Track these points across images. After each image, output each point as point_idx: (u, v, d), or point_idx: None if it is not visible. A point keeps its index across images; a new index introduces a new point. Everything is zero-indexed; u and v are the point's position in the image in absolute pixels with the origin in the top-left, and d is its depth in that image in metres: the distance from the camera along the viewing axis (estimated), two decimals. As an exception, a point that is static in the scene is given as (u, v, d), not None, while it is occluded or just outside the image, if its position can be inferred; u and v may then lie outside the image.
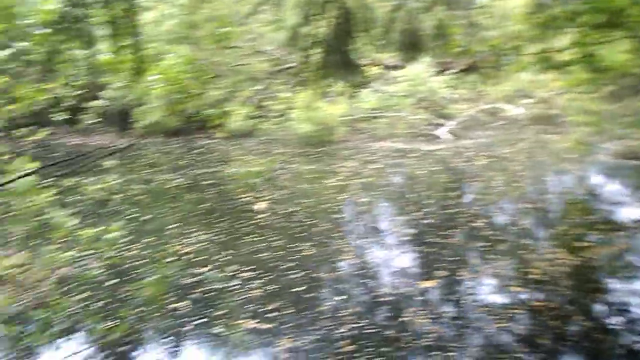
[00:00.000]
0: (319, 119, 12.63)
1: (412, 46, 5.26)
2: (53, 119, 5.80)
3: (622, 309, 4.38)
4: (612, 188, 8.37)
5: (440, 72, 15.44)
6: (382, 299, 4.80)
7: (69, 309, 3.96)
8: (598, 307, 4.50)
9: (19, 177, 4.55)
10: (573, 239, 6.00)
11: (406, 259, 5.73)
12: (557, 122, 12.07)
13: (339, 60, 5.01)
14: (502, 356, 3.82)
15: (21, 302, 4.89)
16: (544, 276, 4.98)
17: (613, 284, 4.93)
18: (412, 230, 6.58)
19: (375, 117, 13.68)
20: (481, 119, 13.85)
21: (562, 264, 5.26)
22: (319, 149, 12.07)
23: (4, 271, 5.50)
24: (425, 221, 6.81)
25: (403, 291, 4.95)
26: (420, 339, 4.06)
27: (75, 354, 3.90)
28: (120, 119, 16.72)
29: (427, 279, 5.14)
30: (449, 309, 4.58)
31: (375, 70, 14.82)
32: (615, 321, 4.23)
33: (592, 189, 8.16)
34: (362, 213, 7.57)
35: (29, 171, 4.13)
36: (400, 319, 4.42)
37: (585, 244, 5.69)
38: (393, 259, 5.78)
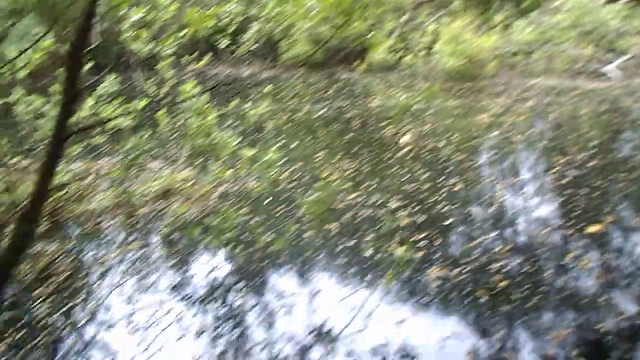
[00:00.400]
0: (467, 53, 11.91)
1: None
2: (217, 45, 6.14)
3: None
4: None
5: (611, 1, 13.60)
6: (538, 240, 4.54)
7: (234, 220, 4.29)
8: None
9: (190, 98, 4.93)
10: None
11: (565, 202, 5.30)
12: None
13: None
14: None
15: (192, 212, 5.44)
16: None
17: None
18: (573, 172, 6.04)
19: (531, 51, 12.54)
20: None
21: None
22: (466, 85, 11.45)
23: (175, 185, 6.14)
24: (590, 163, 6.20)
25: (561, 235, 4.61)
26: (581, 281, 3.79)
27: (241, 256, 4.26)
28: (266, 51, 17.37)
29: (590, 224, 4.72)
30: (613, 257, 4.19)
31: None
32: None
33: None
34: (514, 152, 7.11)
35: (197, 92, 4.43)
36: (559, 263, 4.15)
37: None
38: (550, 201, 5.39)
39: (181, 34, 5.35)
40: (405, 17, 15.77)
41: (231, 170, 6.00)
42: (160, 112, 6.18)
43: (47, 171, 3.18)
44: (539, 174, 6.13)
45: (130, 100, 5.87)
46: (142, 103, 5.69)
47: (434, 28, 13.90)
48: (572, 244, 4.42)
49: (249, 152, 5.64)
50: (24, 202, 3.31)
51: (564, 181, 5.78)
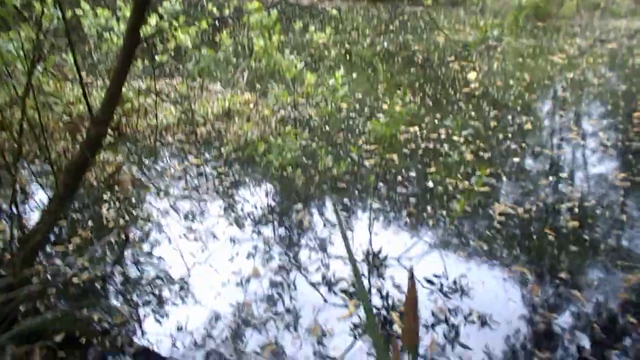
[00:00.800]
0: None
1: None
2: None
3: None
4: None
5: None
6: (613, 184, 4.27)
7: (296, 143, 4.24)
8: None
9: (257, 13, 4.79)
10: None
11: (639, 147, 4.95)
12: None
13: None
14: None
15: (252, 134, 5.43)
16: None
17: None
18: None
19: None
20: None
21: None
22: (541, 23, 10.69)
23: (237, 106, 6.12)
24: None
25: (637, 182, 4.33)
26: (663, 231, 3.57)
27: (301, 178, 4.24)
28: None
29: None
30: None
31: None
32: None
33: None
34: (591, 94, 6.65)
35: (271, 5, 4.27)
36: (634, 210, 3.91)
37: None
38: (625, 149, 5.03)
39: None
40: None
41: (293, 95, 5.92)
42: (223, 34, 6.10)
43: (119, 77, 3.18)
44: (615, 119, 5.72)
45: (194, 19, 5.78)
46: (204, 23, 5.61)
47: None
48: (649, 191, 4.14)
49: (312, 77, 5.52)
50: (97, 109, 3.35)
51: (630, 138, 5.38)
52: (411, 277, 0.98)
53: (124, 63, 3.22)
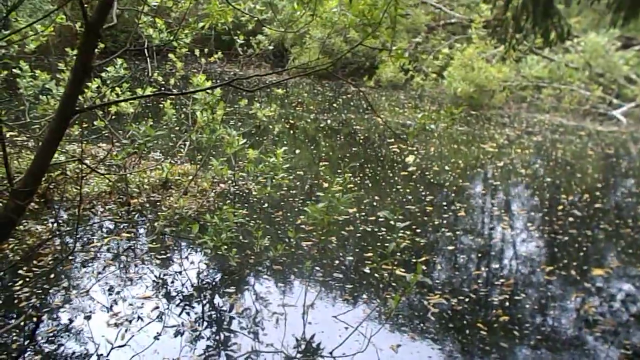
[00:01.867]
0: (478, 80, 11.87)
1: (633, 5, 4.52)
2: (231, 43, 6.03)
3: None
4: None
5: (625, 47, 13.67)
6: (541, 279, 4.42)
7: (232, 221, 4.15)
8: None
9: (199, 90, 4.79)
10: None
11: (572, 242, 5.20)
12: None
13: (539, 9, 4.48)
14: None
15: (189, 208, 5.28)
16: None
17: None
18: (579, 213, 5.95)
19: (540, 87, 12.54)
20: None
21: None
22: (474, 112, 11.40)
23: (174, 178, 5.98)
24: (597, 205, 6.12)
25: (567, 274, 4.50)
26: (588, 327, 3.67)
27: (236, 259, 4.11)
28: (275, 56, 17.30)
29: (596, 267, 4.61)
30: (622, 301, 4.07)
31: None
32: None
33: None
34: (521, 185, 7.02)
35: (222, 84, 4.29)
36: (566, 302, 4.04)
37: None
38: (553, 240, 5.27)
39: (199, 25, 5.24)
40: (418, 39, 15.76)
41: (233, 170, 5.87)
42: (167, 103, 6.05)
43: (49, 147, 3.03)
44: (542, 210, 6.03)
45: (137, 87, 5.72)
46: (147, 90, 5.56)
47: (446, 52, 13.89)
48: (576, 285, 4.30)
49: (253, 153, 5.51)
50: (20, 177, 3.15)
51: (567, 221, 5.67)
52: None
53: (55, 133, 3.08)
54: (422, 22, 15.75)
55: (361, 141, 8.92)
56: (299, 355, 3.21)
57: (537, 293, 4.13)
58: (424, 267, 4.37)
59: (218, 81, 10.43)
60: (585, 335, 3.57)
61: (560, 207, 6.05)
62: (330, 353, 3.24)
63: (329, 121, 10.25)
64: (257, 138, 8.17)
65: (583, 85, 12.27)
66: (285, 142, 8.44)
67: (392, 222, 5.28)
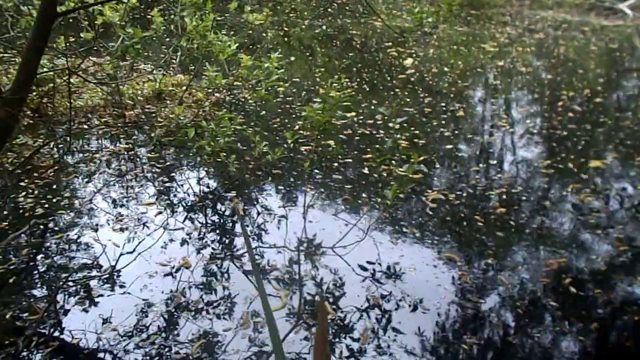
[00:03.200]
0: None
1: None
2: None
3: None
4: None
5: None
6: (539, 171, 4.46)
7: (229, 128, 4.13)
8: None
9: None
10: None
11: (572, 134, 5.19)
12: None
13: None
14: None
15: (184, 117, 5.23)
16: None
17: None
18: (579, 108, 5.90)
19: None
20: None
21: None
22: (474, 12, 10.97)
23: (168, 88, 5.88)
24: (596, 99, 6.04)
25: (568, 166, 4.53)
26: (585, 217, 3.75)
27: (235, 165, 4.13)
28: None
29: (593, 159, 4.64)
30: (621, 191, 4.13)
31: None
32: None
33: None
34: (521, 83, 6.90)
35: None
36: (559, 195, 4.10)
37: None
38: (552, 135, 5.26)
39: None
40: None
41: (228, 78, 5.75)
42: (154, 11, 5.80)
43: (34, 53, 2.94)
44: (542, 107, 5.97)
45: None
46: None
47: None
48: (576, 176, 4.35)
49: (247, 59, 5.37)
50: (9, 86, 3.09)
51: (567, 116, 5.64)
52: (323, 307, 0.93)
53: (37, 39, 2.98)
54: None
55: (358, 46, 8.67)
56: (299, 252, 3.30)
57: (533, 186, 4.19)
58: (422, 166, 4.41)
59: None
60: (579, 225, 3.65)
61: (561, 104, 5.98)
62: (329, 248, 3.34)
63: (324, 27, 9.90)
64: (250, 47, 7.93)
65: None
66: (279, 50, 8.20)
67: (390, 124, 5.28)
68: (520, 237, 3.48)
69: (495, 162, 4.63)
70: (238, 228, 3.57)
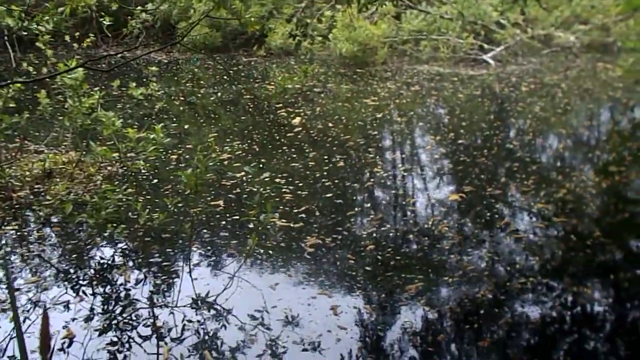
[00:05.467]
0: (360, 39, 12.41)
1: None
2: (101, 24, 5.99)
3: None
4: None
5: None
6: (408, 208, 5.01)
7: (117, 199, 4.33)
8: (620, 227, 4.56)
9: (68, 70, 4.81)
10: (607, 164, 5.95)
11: (434, 174, 5.86)
12: (612, 50, 11.51)
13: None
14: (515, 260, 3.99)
15: (74, 193, 5.35)
16: (568, 195, 5.04)
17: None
18: (444, 149, 6.66)
19: (418, 39, 13.31)
20: (531, 45, 13.27)
21: (589, 186, 5.29)
22: (359, 70, 11.96)
23: (59, 166, 5.97)
24: (459, 141, 6.85)
25: (427, 202, 5.13)
26: (439, 243, 4.28)
27: (123, 234, 4.31)
28: (163, 34, 16.88)
29: (452, 193, 5.28)
30: (469, 219, 4.74)
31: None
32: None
33: (639, 119, 7.91)
34: (396, 131, 7.65)
35: (75, 66, 4.37)
36: (422, 226, 4.64)
37: (618, 169, 5.65)
38: (421, 173, 5.91)
39: (60, 10, 5.20)
40: (303, 3, 16.03)
41: (118, 151, 5.96)
42: (41, 93, 5.97)
43: None
44: (415, 150, 6.68)
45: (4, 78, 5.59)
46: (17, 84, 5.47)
47: (330, 14, 14.29)
48: (434, 211, 4.93)
49: (134, 132, 5.63)
50: None
51: (433, 157, 6.36)
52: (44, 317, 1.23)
53: None
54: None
55: (251, 109, 9.19)
56: (191, 309, 3.52)
57: (400, 222, 4.71)
58: (303, 215, 4.83)
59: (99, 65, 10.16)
60: (435, 251, 4.17)
61: (428, 147, 6.73)
62: (219, 301, 3.59)
63: (219, 94, 10.38)
64: (144, 118, 8.18)
65: (457, 34, 13.18)
66: (176, 119, 8.52)
67: (277, 180, 5.69)
68: (385, 268, 3.92)
69: (368, 204, 5.14)
70: (123, 294, 3.73)
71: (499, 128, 7.33)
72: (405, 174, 5.90)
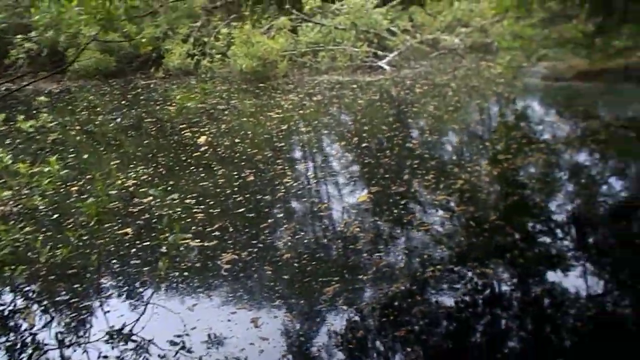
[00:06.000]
0: (259, 54, 12.51)
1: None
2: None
3: (542, 218, 4.83)
4: (539, 108, 8.88)
5: (382, 4, 15.48)
6: (319, 213, 5.13)
7: (13, 239, 4.07)
8: (514, 211, 4.96)
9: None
10: (495, 153, 6.44)
11: (342, 178, 6.05)
12: (492, 49, 12.47)
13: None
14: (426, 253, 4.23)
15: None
16: (464, 185, 5.41)
17: (530, 192, 5.38)
18: (350, 154, 6.89)
19: (316, 51, 13.65)
20: (421, 49, 14.06)
21: (483, 175, 5.71)
22: (261, 85, 12.04)
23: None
24: (362, 144, 7.11)
25: (338, 206, 5.28)
26: (353, 244, 4.42)
27: (23, 276, 4.05)
28: (51, 62, 15.96)
29: (360, 195, 5.48)
30: (378, 218, 4.94)
31: (315, 2, 14.74)
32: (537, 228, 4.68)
33: (520, 110, 8.64)
34: (302, 141, 7.79)
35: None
36: (333, 228, 4.78)
37: (506, 156, 6.14)
38: (330, 179, 6.07)
39: None
40: (199, 22, 15.88)
41: (10, 188, 5.59)
42: None
43: None
44: (321, 157, 6.84)
45: None
46: None
47: (227, 32, 14.27)
48: (345, 214, 5.08)
49: (27, 167, 5.32)
50: None
51: (341, 162, 6.57)
52: None
53: None
54: (199, 4, 15.87)
55: (153, 133, 8.95)
56: (104, 346, 3.37)
57: (313, 228, 4.82)
58: (217, 233, 4.79)
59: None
60: (349, 252, 4.31)
61: (334, 153, 6.94)
62: (131, 331, 3.47)
63: (118, 119, 10.01)
64: (37, 151, 7.71)
65: (352, 44, 13.67)
66: (73, 148, 8.11)
67: (187, 201, 5.60)
68: (303, 275, 3.99)
69: (282, 215, 5.20)
70: (28, 339, 3.51)
71: (399, 129, 7.69)
72: (315, 181, 6.03)
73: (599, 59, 8.81)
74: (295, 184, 5.97)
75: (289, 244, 4.51)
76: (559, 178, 5.66)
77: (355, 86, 11.13)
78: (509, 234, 4.46)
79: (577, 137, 6.81)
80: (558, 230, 4.44)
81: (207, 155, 7.27)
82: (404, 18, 15.03)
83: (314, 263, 4.15)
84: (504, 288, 3.72)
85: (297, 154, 7.39)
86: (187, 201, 5.59)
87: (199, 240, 4.64)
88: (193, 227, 4.92)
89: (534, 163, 5.94)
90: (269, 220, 5.07)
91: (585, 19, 8.57)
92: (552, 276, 3.77)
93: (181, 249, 4.50)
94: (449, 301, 3.59)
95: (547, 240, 4.30)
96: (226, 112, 9.77)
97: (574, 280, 3.67)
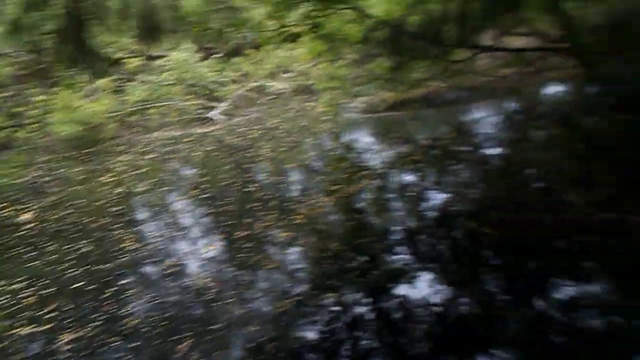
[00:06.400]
0: (82, 118, 11.91)
1: (150, 31, 5.40)
2: None
3: (379, 237, 5.28)
4: (362, 139, 9.73)
5: (206, 57, 15.78)
6: (166, 272, 5.01)
7: None
8: (353, 235, 5.36)
9: None
10: (330, 185, 6.92)
11: (186, 232, 5.99)
12: (314, 91, 13.40)
13: (75, 50, 4.90)
14: (275, 290, 4.37)
15: None
16: (305, 219, 5.73)
17: (364, 215, 5.87)
18: (190, 207, 6.85)
19: (145, 109, 13.38)
20: (249, 97, 14.57)
21: (321, 207, 6.10)
22: (89, 150, 11.41)
23: None
24: (203, 196, 7.12)
25: (186, 260, 5.22)
26: (201, 296, 4.41)
27: None
28: None
29: (207, 245, 5.49)
30: (228, 265, 4.99)
31: (137, 61, 14.52)
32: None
33: (346, 142, 9.39)
34: (141, 202, 7.55)
35: None
36: (183, 284, 4.71)
37: (339, 187, 6.64)
38: (174, 234, 5.97)
39: None
40: (10, 92, 14.61)
41: None
42: None
43: None
44: (162, 214, 6.70)
45: None
46: None
47: (42, 98, 13.34)
48: (193, 267, 5.04)
49: None
50: None
51: (184, 215, 6.51)
52: None
53: None
54: (7, 73, 14.62)
55: (-34, 218, 7.95)
56: None
57: (160, 288, 4.71)
58: (53, 314, 4.43)
59: None
60: (199, 304, 4.29)
61: (177, 208, 6.85)
62: None
63: None
64: None
65: (181, 98, 13.68)
66: None
67: (13, 287, 5.07)
68: (152, 337, 3.87)
69: (125, 281, 4.98)
70: None
71: (238, 175, 7.85)
72: (159, 240, 5.87)
73: (403, 91, 10.01)
74: (138, 247, 5.76)
75: (136, 309, 4.34)
76: (387, 198, 6.27)
77: (189, 139, 11.13)
78: (353, 258, 4.79)
79: (397, 160, 7.62)
80: (395, 246, 4.89)
81: (33, 232, 6.67)
82: (230, 69, 15.52)
83: (164, 323, 4.06)
84: (359, 309, 3.97)
85: (138, 215, 7.13)
86: (14, 287, 5.07)
87: (33, 326, 4.24)
88: (24, 314, 4.48)
89: (364, 188, 6.51)
90: (112, 289, 4.82)
91: (385, 57, 9.72)
92: (401, 289, 4.12)
93: (12, 340, 4.07)
94: (309, 334, 3.74)
95: (388, 257, 4.72)
96: (52, 184, 9.08)
97: (420, 289, 4.06)
